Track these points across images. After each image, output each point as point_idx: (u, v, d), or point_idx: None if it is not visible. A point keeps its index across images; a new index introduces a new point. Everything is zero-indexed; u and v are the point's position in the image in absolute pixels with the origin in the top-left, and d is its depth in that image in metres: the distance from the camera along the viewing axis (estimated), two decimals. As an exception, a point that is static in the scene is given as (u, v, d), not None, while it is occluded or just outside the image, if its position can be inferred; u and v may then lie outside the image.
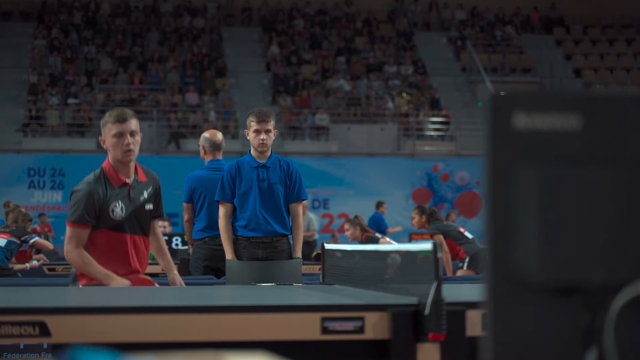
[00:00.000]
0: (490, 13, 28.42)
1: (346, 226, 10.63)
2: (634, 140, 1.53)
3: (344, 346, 2.94)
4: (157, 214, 4.73)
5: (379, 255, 3.82)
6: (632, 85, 25.77)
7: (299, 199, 5.94)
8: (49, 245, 10.41)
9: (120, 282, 4.40)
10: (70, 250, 4.46)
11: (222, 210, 5.90)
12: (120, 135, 4.45)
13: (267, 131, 5.86)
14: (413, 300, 2.97)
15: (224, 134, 8.10)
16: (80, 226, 4.45)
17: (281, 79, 24.71)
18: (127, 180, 4.54)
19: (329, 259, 4.58)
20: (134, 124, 4.48)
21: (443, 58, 26.86)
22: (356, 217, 10.71)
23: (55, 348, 2.76)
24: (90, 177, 4.54)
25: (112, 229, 4.49)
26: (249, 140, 5.98)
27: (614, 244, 1.49)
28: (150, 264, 6.57)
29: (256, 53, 26.43)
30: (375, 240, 10.02)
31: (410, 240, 17.67)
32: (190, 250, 7.12)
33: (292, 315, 2.93)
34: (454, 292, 3.35)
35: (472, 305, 2.93)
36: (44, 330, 2.75)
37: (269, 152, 5.95)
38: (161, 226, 10.76)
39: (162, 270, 4.98)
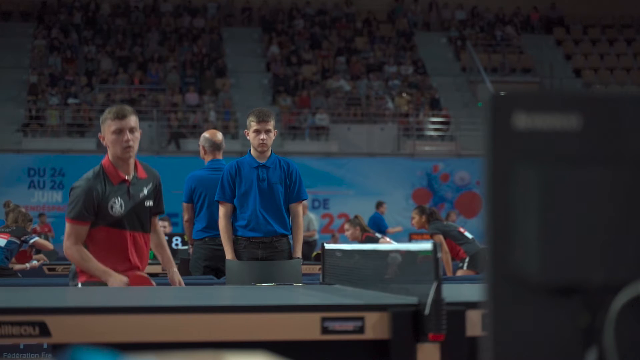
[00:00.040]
0: (490, 13, 28.42)
1: (346, 226, 10.63)
2: (634, 140, 1.53)
3: (344, 346, 2.94)
4: (157, 211, 4.73)
5: (379, 255, 3.82)
6: (632, 85, 25.77)
7: (299, 199, 5.94)
8: (49, 245, 10.41)
9: (118, 278, 4.40)
10: (69, 246, 4.47)
11: (222, 210, 5.90)
12: (119, 131, 4.45)
13: (267, 131, 5.86)
14: (413, 300, 2.97)
15: (224, 134, 8.10)
16: (79, 222, 4.46)
17: (281, 79, 24.71)
18: (127, 177, 4.55)
19: (329, 259, 4.58)
20: (133, 120, 4.49)
21: (443, 58, 26.86)
22: (356, 217, 10.71)
23: (55, 348, 2.76)
24: (89, 173, 4.54)
25: (111, 226, 4.49)
26: (249, 140, 5.98)
27: (614, 244, 1.49)
28: (150, 263, 6.56)
29: (256, 53, 26.43)
30: (375, 240, 10.02)
31: (410, 240, 17.67)
32: (190, 250, 7.12)
33: (292, 315, 2.93)
34: (454, 292, 3.35)
35: (472, 305, 2.93)
36: (44, 330, 2.75)
37: (269, 152, 5.95)
38: (161, 226, 10.74)
39: (163, 270, 4.98)
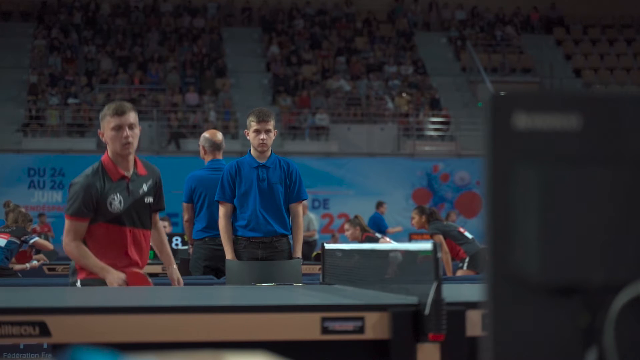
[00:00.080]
0: (490, 13, 28.42)
1: (346, 226, 10.63)
2: (634, 140, 1.53)
3: (344, 346, 2.94)
4: (158, 208, 4.73)
5: (379, 255, 3.82)
6: (632, 85, 25.78)
7: (299, 199, 5.94)
8: (49, 245, 10.41)
9: (116, 275, 4.40)
10: (68, 242, 4.47)
11: (222, 210, 5.90)
12: (118, 128, 4.45)
13: (267, 131, 5.86)
14: (413, 300, 2.97)
15: (224, 134, 8.10)
16: (78, 219, 4.46)
17: (281, 79, 24.71)
18: (126, 174, 4.54)
19: (329, 259, 4.58)
20: (132, 116, 4.49)
21: (443, 58, 26.87)
22: (356, 217, 10.71)
23: (55, 348, 2.76)
24: (88, 170, 4.55)
25: (110, 222, 4.49)
26: (249, 140, 5.98)
27: (614, 244, 1.49)
28: (150, 263, 6.55)
29: (256, 53, 26.43)
30: (375, 240, 10.02)
31: (410, 240, 17.67)
32: (190, 250, 7.12)
33: (292, 315, 2.93)
34: (454, 292, 3.35)
35: (472, 305, 2.93)
36: (44, 330, 2.75)
37: (269, 152, 5.95)
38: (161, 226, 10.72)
39: (163, 269, 4.98)
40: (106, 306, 3.01)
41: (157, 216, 4.82)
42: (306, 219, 14.82)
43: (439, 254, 2.88)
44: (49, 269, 9.86)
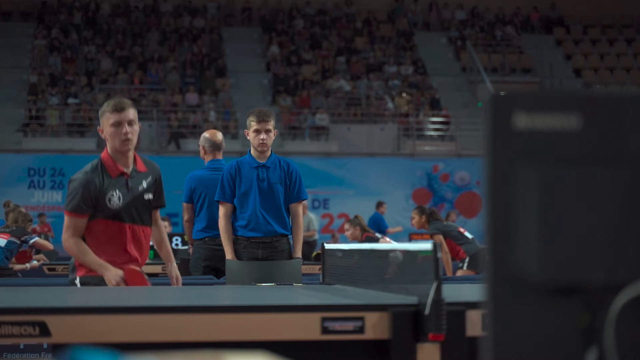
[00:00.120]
0: (490, 13, 28.42)
1: (346, 226, 10.63)
2: (634, 140, 1.53)
3: (344, 346, 2.94)
4: (158, 204, 4.73)
5: (379, 255, 3.82)
6: (632, 85, 25.78)
7: (299, 199, 5.94)
8: (49, 245, 10.41)
9: (114, 272, 4.40)
10: (67, 238, 4.48)
11: (222, 210, 5.90)
12: (118, 124, 4.45)
13: (267, 131, 5.86)
14: (413, 300, 2.97)
15: (224, 134, 8.10)
16: (77, 215, 4.46)
17: (281, 79, 24.71)
18: (125, 170, 4.55)
19: (329, 259, 4.58)
20: (131, 113, 4.49)
21: (443, 58, 26.87)
22: (356, 217, 10.71)
23: (55, 348, 2.76)
24: (87, 166, 4.55)
25: (109, 218, 4.49)
26: (249, 140, 5.98)
27: (614, 244, 1.49)
28: (150, 263, 6.55)
29: (256, 53, 26.43)
30: (375, 240, 10.02)
31: (410, 240, 17.67)
32: (190, 250, 7.12)
33: (292, 315, 2.93)
34: (454, 292, 3.35)
35: (472, 305, 2.93)
36: (44, 330, 2.75)
37: (269, 152, 5.95)
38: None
39: (163, 269, 4.98)
40: (106, 306, 3.01)
41: (158, 213, 4.81)
42: (306, 219, 14.82)
43: (439, 254, 2.88)
44: (49, 269, 9.86)
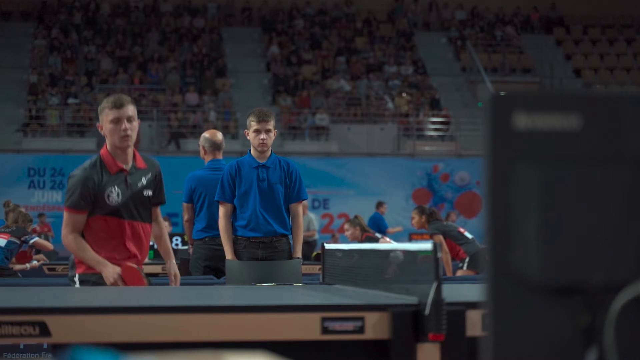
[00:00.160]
0: (490, 13, 28.42)
1: (346, 226, 10.63)
2: (634, 140, 1.53)
3: (344, 346, 2.94)
4: (158, 201, 4.73)
5: (379, 255, 3.82)
6: (632, 85, 25.78)
7: (299, 199, 5.94)
8: (49, 245, 10.41)
9: (112, 269, 4.40)
10: (66, 234, 4.48)
11: (222, 210, 5.90)
12: (117, 120, 4.46)
13: (267, 131, 5.86)
14: (413, 300, 2.97)
15: (224, 134, 8.10)
16: (76, 211, 4.47)
17: (281, 79, 24.71)
18: (125, 167, 4.55)
19: (329, 259, 4.58)
20: (131, 109, 4.49)
21: (443, 58, 26.87)
22: (356, 217, 10.71)
23: (55, 348, 2.76)
24: (87, 163, 4.56)
25: (108, 215, 4.49)
26: (249, 140, 5.98)
27: (614, 244, 1.49)
28: (150, 263, 6.54)
29: (256, 53, 26.43)
30: (375, 240, 10.02)
31: (410, 240, 17.67)
32: (190, 250, 7.12)
33: (292, 315, 2.93)
34: (454, 292, 3.35)
35: (472, 305, 2.93)
36: (44, 330, 2.75)
37: (269, 152, 5.95)
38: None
39: (163, 269, 4.98)
40: (106, 306, 3.01)
41: (158, 210, 4.81)
42: (306, 219, 14.81)
43: (439, 254, 2.88)
44: (49, 269, 9.86)
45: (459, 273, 9.24)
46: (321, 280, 4.60)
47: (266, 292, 4.08)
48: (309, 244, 14.70)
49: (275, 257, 5.86)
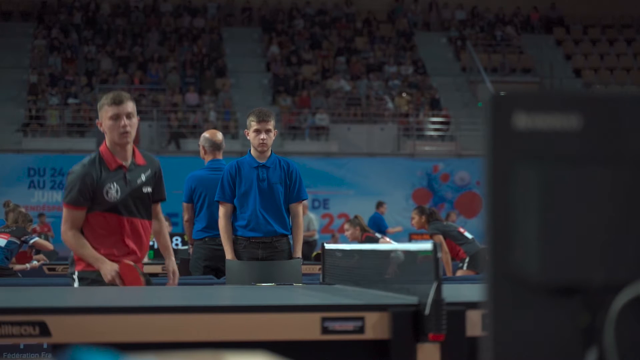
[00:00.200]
0: (490, 13, 28.42)
1: (346, 226, 10.63)
2: (634, 140, 1.53)
3: (344, 346, 2.94)
4: (158, 198, 4.73)
5: (379, 255, 3.82)
6: (632, 85, 25.78)
7: (299, 199, 5.94)
8: (49, 245, 10.41)
9: (110, 266, 4.40)
10: (65, 231, 4.49)
11: (222, 210, 5.90)
12: (116, 117, 4.46)
13: (267, 131, 5.86)
14: (413, 300, 2.97)
15: (224, 134, 8.10)
16: (74, 207, 4.47)
17: (281, 79, 24.71)
18: (124, 163, 4.55)
19: (329, 259, 4.58)
20: (130, 106, 4.49)
21: (443, 58, 26.87)
22: (356, 217, 10.71)
23: (55, 348, 2.76)
24: (86, 159, 4.56)
25: (107, 211, 4.49)
26: (249, 140, 5.98)
27: (614, 244, 1.49)
28: (150, 263, 6.54)
29: (256, 53, 26.43)
30: (375, 241, 10.02)
31: (410, 240, 17.67)
32: (190, 250, 7.12)
33: (292, 315, 2.93)
34: (454, 292, 3.35)
35: (472, 305, 2.93)
36: (44, 330, 2.75)
37: (269, 152, 5.95)
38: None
39: (163, 270, 4.98)
40: (106, 306, 3.01)
41: (159, 206, 4.80)
42: (306, 219, 14.81)
43: (439, 254, 2.88)
44: (49, 269, 9.86)
45: (459, 273, 9.24)
46: (321, 280, 4.60)
47: (266, 292, 4.08)
48: (309, 244, 14.70)
49: (275, 257, 5.86)
